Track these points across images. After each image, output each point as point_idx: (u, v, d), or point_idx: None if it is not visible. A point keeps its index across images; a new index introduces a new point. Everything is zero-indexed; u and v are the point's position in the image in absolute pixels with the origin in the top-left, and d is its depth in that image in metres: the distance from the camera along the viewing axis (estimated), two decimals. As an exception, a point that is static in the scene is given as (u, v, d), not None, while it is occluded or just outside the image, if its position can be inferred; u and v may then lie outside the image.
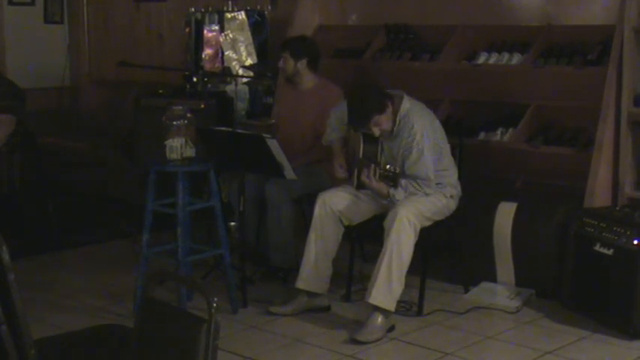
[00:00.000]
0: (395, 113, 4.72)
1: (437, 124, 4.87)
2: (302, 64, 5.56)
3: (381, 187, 4.65)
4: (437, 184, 4.76)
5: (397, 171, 4.57)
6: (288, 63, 5.56)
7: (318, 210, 4.83)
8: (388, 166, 4.58)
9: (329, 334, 4.64)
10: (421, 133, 4.67)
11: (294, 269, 5.10)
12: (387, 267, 4.53)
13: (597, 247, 4.61)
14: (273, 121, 6.00)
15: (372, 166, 4.62)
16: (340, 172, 4.94)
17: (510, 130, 5.61)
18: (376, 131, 4.67)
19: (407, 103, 4.75)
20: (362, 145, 4.80)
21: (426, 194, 4.69)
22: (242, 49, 6.90)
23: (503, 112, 5.74)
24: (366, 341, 4.47)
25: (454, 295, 5.17)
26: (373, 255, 4.67)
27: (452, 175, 4.89)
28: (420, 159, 4.65)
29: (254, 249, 5.60)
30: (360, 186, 4.84)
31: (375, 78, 6.06)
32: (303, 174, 5.23)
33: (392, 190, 4.63)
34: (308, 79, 5.61)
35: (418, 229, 4.61)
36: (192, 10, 7.14)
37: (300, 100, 5.62)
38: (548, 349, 4.37)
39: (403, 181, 4.64)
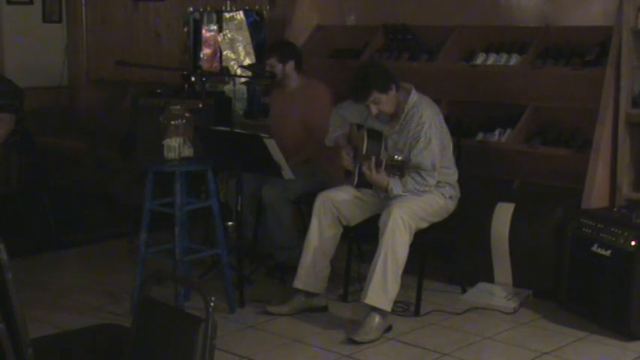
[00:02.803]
0: (402, 103, 4.73)
1: (442, 119, 4.89)
2: (290, 67, 5.62)
3: (381, 179, 4.65)
4: (437, 182, 4.76)
5: (404, 159, 4.58)
6: (276, 68, 5.63)
7: (316, 210, 4.83)
8: (396, 157, 4.58)
9: (326, 334, 4.64)
10: (429, 122, 4.68)
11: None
12: (382, 267, 4.53)
13: (595, 248, 4.61)
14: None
15: (373, 158, 4.63)
16: (348, 161, 4.92)
17: (508, 130, 5.61)
18: (374, 110, 4.68)
19: (415, 95, 4.76)
20: (365, 142, 4.81)
21: (427, 186, 4.68)
22: (240, 48, 6.91)
23: (501, 113, 5.74)
24: (362, 341, 4.47)
25: (451, 296, 5.17)
26: (371, 255, 4.67)
27: (452, 174, 4.89)
28: (427, 147, 4.66)
29: (251, 248, 5.61)
30: (360, 184, 4.84)
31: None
32: (301, 174, 5.23)
33: (391, 182, 4.64)
34: (295, 80, 5.65)
35: (413, 229, 4.61)
36: (191, 9, 7.15)
37: (288, 101, 5.67)
38: (546, 350, 4.38)
39: (404, 177, 4.64)
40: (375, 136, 4.82)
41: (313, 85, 5.65)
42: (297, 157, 5.44)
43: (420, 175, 4.68)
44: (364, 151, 4.81)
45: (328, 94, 5.58)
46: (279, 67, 5.63)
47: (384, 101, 4.68)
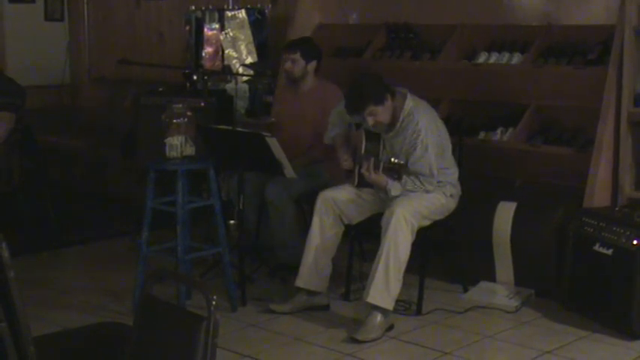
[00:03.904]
0: (398, 110, 4.73)
1: (440, 122, 4.89)
2: (312, 67, 5.57)
3: (380, 180, 4.66)
4: (437, 182, 4.76)
5: (403, 163, 4.57)
6: (298, 64, 5.54)
7: (318, 209, 4.84)
8: (393, 159, 4.58)
9: (328, 332, 4.64)
10: (425, 129, 4.67)
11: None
12: (385, 266, 4.53)
13: (597, 247, 4.61)
14: (273, 119, 6.00)
15: (372, 159, 4.64)
16: (346, 163, 4.92)
17: (510, 129, 5.61)
18: (370, 121, 4.67)
19: (410, 101, 4.75)
20: (364, 142, 4.81)
21: (427, 191, 4.69)
22: (242, 47, 6.90)
23: (503, 112, 5.73)
24: (364, 340, 4.47)
25: (453, 295, 5.17)
26: (372, 254, 4.67)
27: (453, 173, 4.89)
28: (424, 155, 4.66)
29: (253, 247, 5.61)
30: (361, 184, 4.84)
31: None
32: (303, 174, 5.23)
33: (390, 184, 4.64)
34: (310, 81, 5.61)
35: (415, 228, 4.61)
36: (193, 8, 7.15)
37: (301, 101, 5.61)
38: (547, 349, 4.38)
39: (404, 178, 4.64)
40: (373, 137, 4.82)
41: (327, 87, 5.59)
42: (305, 158, 5.43)
43: (419, 180, 4.68)
44: (363, 152, 4.81)
45: (341, 96, 5.52)
46: (301, 64, 5.55)
47: (380, 113, 4.66)
